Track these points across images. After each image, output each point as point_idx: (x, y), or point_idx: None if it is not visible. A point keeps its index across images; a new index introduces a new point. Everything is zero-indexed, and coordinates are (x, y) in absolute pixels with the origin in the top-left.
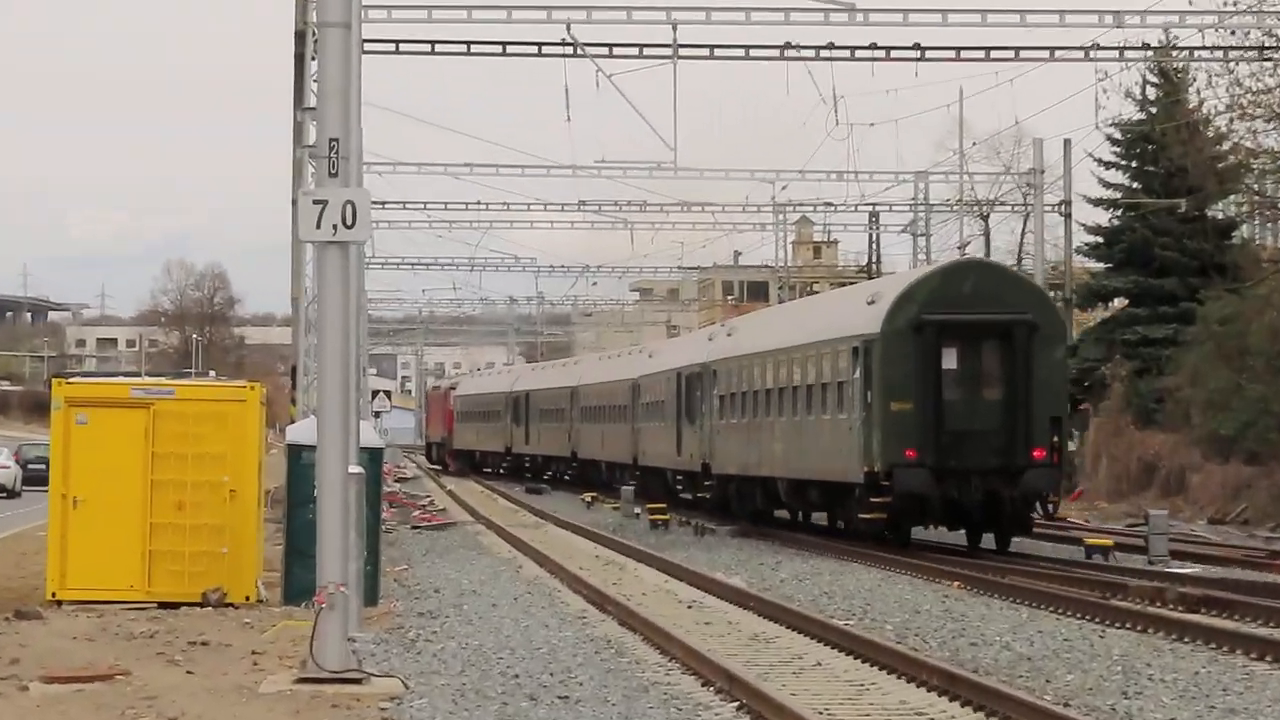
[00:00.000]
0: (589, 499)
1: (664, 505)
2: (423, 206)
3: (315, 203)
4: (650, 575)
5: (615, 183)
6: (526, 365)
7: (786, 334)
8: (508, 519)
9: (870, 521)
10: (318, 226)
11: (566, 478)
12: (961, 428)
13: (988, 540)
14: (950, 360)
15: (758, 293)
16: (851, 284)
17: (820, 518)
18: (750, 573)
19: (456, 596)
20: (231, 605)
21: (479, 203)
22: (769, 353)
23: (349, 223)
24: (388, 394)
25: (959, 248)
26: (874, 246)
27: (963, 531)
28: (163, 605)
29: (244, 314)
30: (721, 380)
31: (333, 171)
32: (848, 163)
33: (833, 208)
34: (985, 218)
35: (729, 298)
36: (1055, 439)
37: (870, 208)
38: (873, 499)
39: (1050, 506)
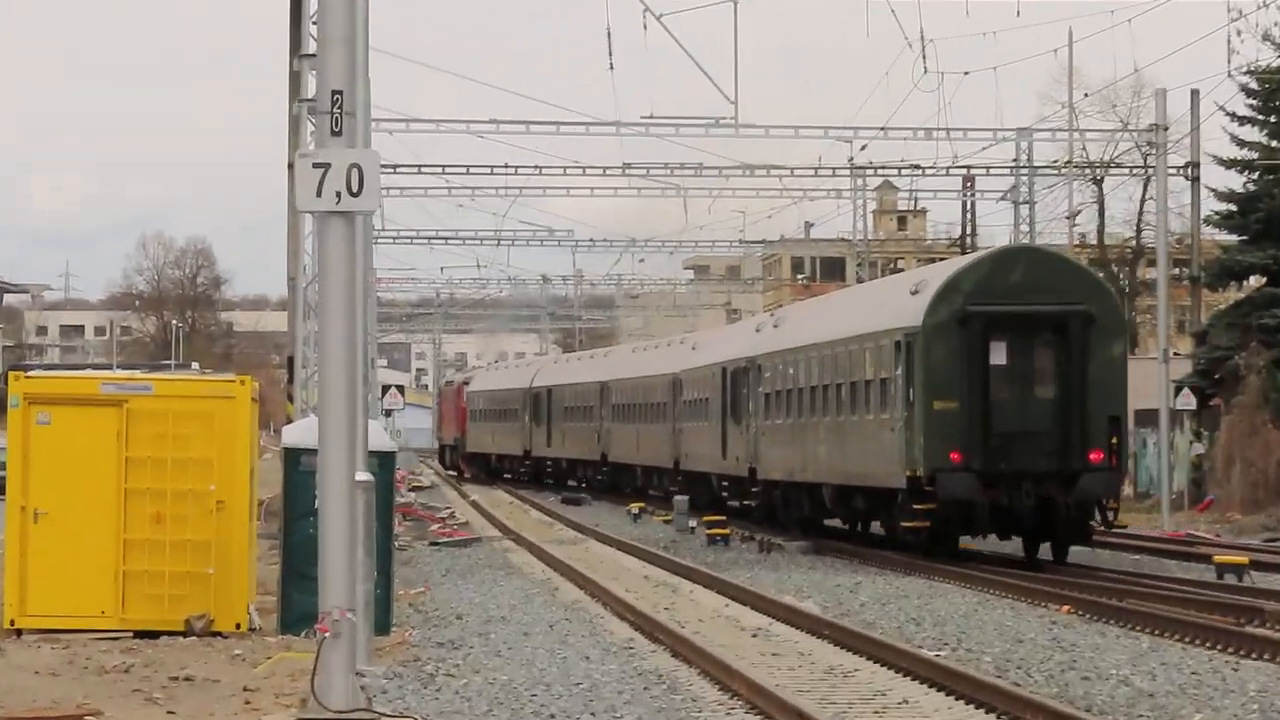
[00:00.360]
0: (635, 510)
1: (723, 518)
2: (441, 171)
3: (315, 166)
4: (708, 599)
5: (666, 142)
6: (549, 358)
7: (832, 326)
8: (541, 534)
9: (914, 530)
10: (318, 194)
11: (595, 483)
12: (1011, 428)
13: (1046, 550)
14: (999, 355)
15: (832, 270)
16: (942, 259)
17: (876, 526)
18: (825, 596)
19: (482, 624)
20: (219, 634)
21: (506, 166)
22: (814, 346)
23: (355, 189)
24: (400, 389)
25: (1067, 217)
26: (968, 216)
27: (1019, 541)
28: (139, 634)
29: (232, 296)
30: (767, 376)
31: (335, 129)
32: (938, 119)
33: (920, 171)
34: (1099, 182)
35: (799, 277)
36: (1114, 440)
37: (964, 171)
38: (915, 506)
39: (1110, 514)
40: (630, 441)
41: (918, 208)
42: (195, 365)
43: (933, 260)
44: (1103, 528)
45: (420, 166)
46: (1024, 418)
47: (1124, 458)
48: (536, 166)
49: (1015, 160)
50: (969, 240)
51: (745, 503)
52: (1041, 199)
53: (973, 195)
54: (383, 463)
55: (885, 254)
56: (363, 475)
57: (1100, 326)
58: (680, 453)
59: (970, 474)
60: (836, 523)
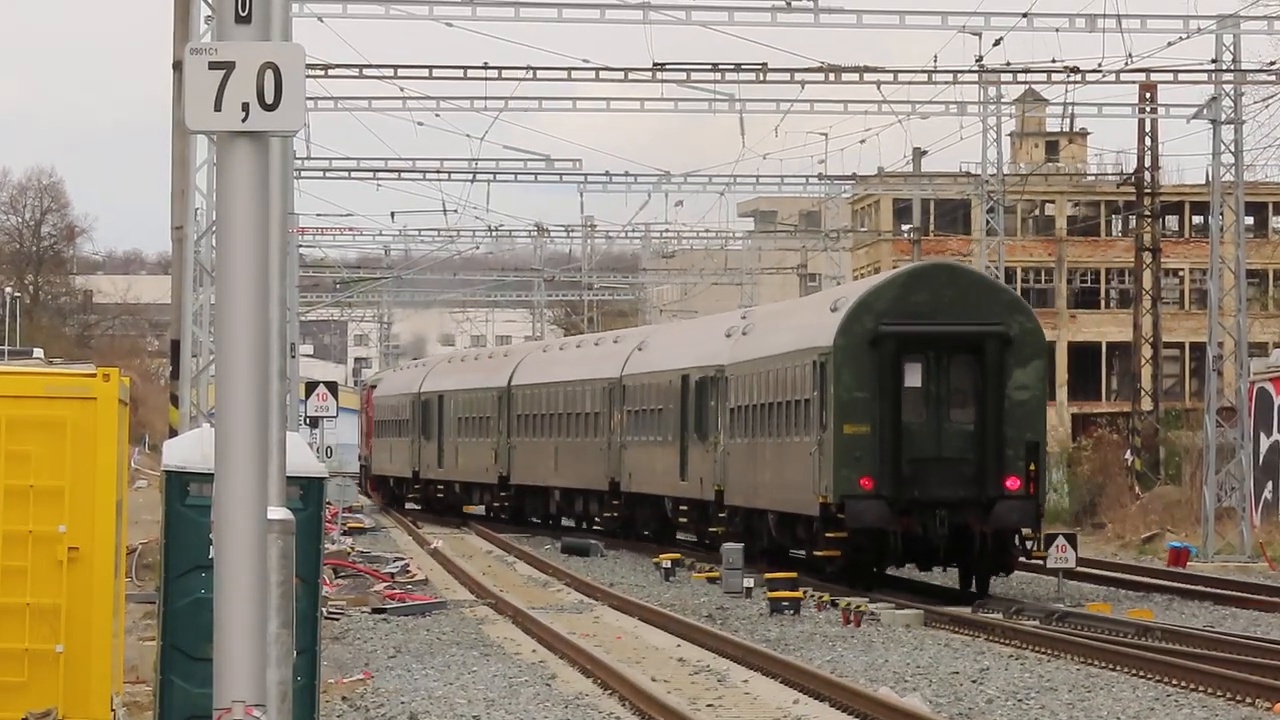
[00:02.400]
0: (667, 563)
1: (793, 575)
2: (392, 74)
3: (213, 67)
4: (769, 692)
5: (714, 34)
6: (444, 356)
7: (782, 338)
8: (531, 597)
9: (829, 559)
10: (217, 108)
11: (494, 510)
12: (925, 454)
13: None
14: (913, 377)
15: (953, 218)
16: (1112, 203)
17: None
18: (937, 687)
19: None
20: None
21: (486, 67)
22: (768, 359)
23: (269, 100)
24: (332, 387)
25: None
26: (1147, 142)
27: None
28: None
29: (92, 254)
30: (733, 389)
31: (242, 13)
32: (1104, 2)
33: (1079, 77)
34: None
35: (904, 228)
36: (1032, 467)
37: (1141, 76)
38: (828, 534)
39: (1028, 544)
40: (544, 459)
41: (1075, 130)
42: (38, 352)
43: (1095, 204)
44: (1022, 558)
45: (362, 68)
46: (938, 443)
47: (1042, 485)
48: (529, 67)
49: (1215, 62)
50: (1148, 178)
51: (712, 530)
52: (1253, 117)
53: (1154, 112)
54: (307, 493)
55: (1029, 195)
56: (278, 511)
57: (1018, 347)
58: (621, 472)
59: (881, 501)
60: (923, 575)
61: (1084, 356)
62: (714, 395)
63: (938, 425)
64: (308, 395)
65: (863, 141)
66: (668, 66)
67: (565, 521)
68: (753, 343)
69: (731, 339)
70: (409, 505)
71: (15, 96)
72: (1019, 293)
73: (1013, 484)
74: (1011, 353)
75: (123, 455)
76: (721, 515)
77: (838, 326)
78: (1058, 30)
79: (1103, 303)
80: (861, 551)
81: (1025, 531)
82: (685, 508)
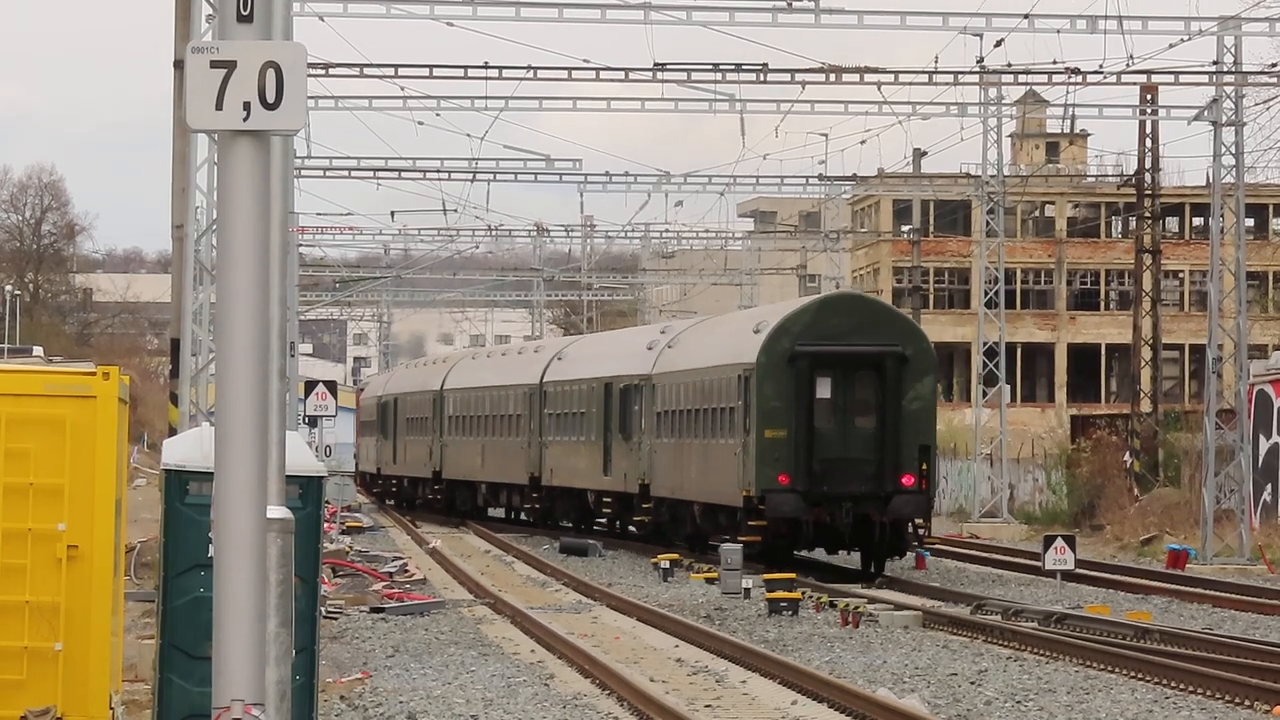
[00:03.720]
0: (666, 563)
1: (791, 576)
2: (393, 73)
3: (214, 66)
4: (768, 692)
5: (715, 34)
6: (405, 363)
7: (707, 354)
8: (530, 596)
9: (748, 544)
10: (218, 107)
11: (429, 503)
12: (833, 455)
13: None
14: (824, 390)
15: (953, 219)
16: (1113, 205)
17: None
18: (936, 688)
19: None
20: None
21: (486, 66)
22: (694, 370)
23: (271, 99)
24: (331, 386)
25: None
26: (1148, 143)
27: (857, 555)
28: None
29: (93, 252)
30: (660, 396)
31: (244, 12)
32: (1107, 2)
33: (1080, 78)
34: None
35: (904, 229)
36: (924, 466)
37: (1143, 78)
38: (750, 522)
39: (921, 532)
40: (471, 456)
41: (1076, 131)
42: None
43: (1095, 206)
44: (915, 544)
45: (363, 67)
46: (844, 445)
47: (933, 482)
48: (529, 67)
49: (1216, 63)
50: (1148, 179)
51: (636, 519)
52: (1254, 119)
53: (1155, 113)
54: (306, 492)
55: (1029, 196)
56: (278, 510)
57: (913, 365)
58: (543, 468)
59: (796, 495)
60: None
61: (1083, 358)
62: (638, 401)
63: (844, 430)
64: (307, 394)
65: (863, 142)
66: (668, 66)
67: (493, 513)
68: (679, 356)
69: (654, 351)
70: (375, 494)
71: (15, 96)
72: (1018, 293)
73: (908, 481)
74: (907, 369)
75: (122, 453)
76: (646, 506)
77: (760, 346)
78: (1059, 31)
79: (1102, 304)
80: (779, 537)
81: (918, 521)
82: (608, 500)
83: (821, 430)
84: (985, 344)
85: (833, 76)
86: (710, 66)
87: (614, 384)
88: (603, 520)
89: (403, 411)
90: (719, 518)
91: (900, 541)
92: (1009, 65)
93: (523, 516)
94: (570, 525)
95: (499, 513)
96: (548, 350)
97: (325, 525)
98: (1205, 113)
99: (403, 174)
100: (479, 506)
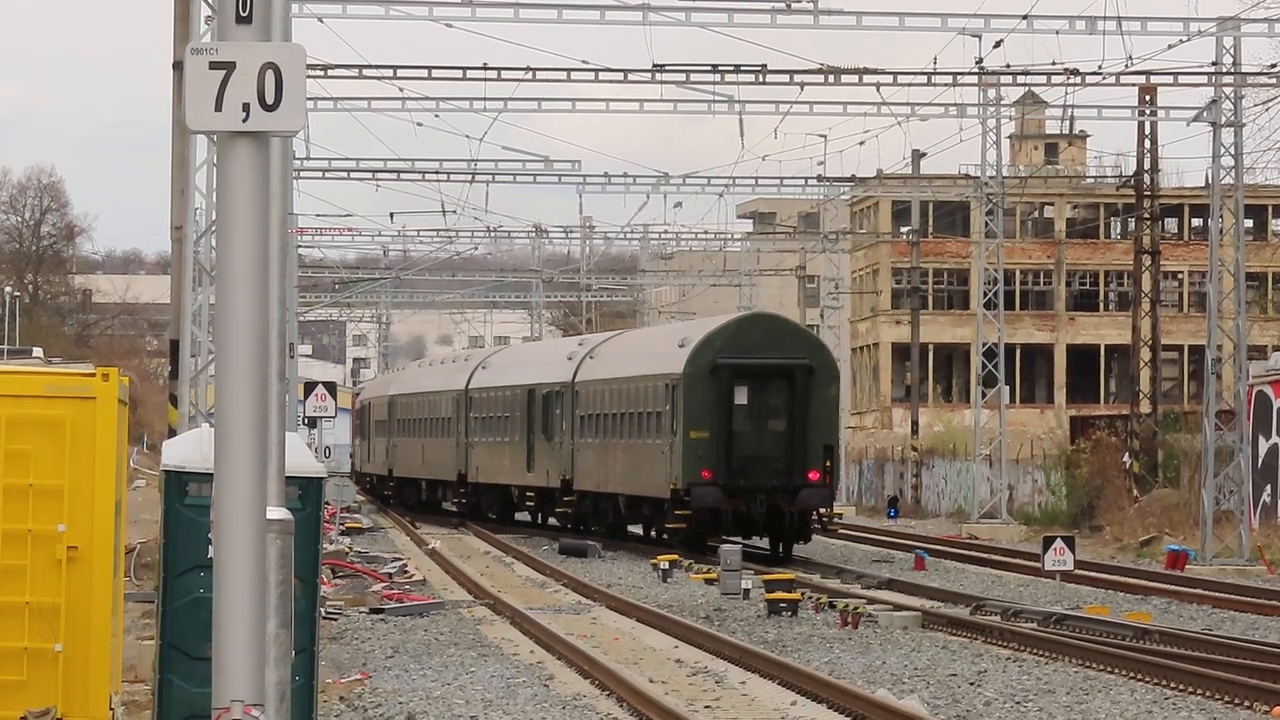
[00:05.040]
0: (665, 564)
1: (790, 577)
2: (391, 74)
3: (214, 67)
4: (767, 693)
5: (714, 35)
6: (379, 373)
7: (630, 364)
8: (529, 597)
9: (674, 530)
10: (218, 108)
11: (384, 499)
12: (749, 453)
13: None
14: (741, 397)
15: (952, 220)
16: (1112, 206)
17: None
18: (935, 689)
19: None
20: None
21: (485, 67)
22: (618, 380)
23: (270, 100)
24: (330, 387)
25: None
26: (1146, 144)
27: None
28: None
29: (92, 253)
30: (583, 401)
31: (243, 13)
32: (1105, 3)
33: (1079, 79)
34: None
35: (903, 230)
36: (828, 463)
37: (1141, 79)
38: (677, 511)
39: (825, 520)
40: (414, 456)
41: (1075, 131)
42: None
43: (1094, 207)
44: (818, 529)
45: (362, 68)
46: (759, 445)
47: (836, 477)
48: (528, 68)
49: (1215, 64)
50: (1147, 180)
51: (558, 510)
52: (1253, 119)
53: (1154, 114)
54: (306, 493)
55: (1028, 197)
56: (277, 511)
57: (818, 375)
58: (469, 466)
59: (717, 488)
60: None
61: (1082, 359)
62: (559, 405)
63: (759, 432)
64: (306, 395)
65: (862, 143)
66: (667, 68)
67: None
68: (600, 366)
69: (574, 361)
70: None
71: (15, 96)
72: (1017, 294)
73: (813, 476)
74: (813, 379)
75: (122, 455)
76: (568, 499)
77: (686, 358)
78: (1058, 32)
79: (1101, 305)
80: (702, 525)
81: (822, 510)
82: (531, 494)
83: (739, 432)
84: (984, 345)
85: (831, 78)
86: (709, 67)
87: (537, 390)
88: (525, 513)
89: (373, 415)
90: (643, 508)
91: (806, 528)
92: (1008, 66)
93: (452, 510)
94: (494, 517)
95: (451, 506)
96: (474, 359)
97: (325, 526)
98: (1204, 113)
99: (402, 175)
100: (422, 501)
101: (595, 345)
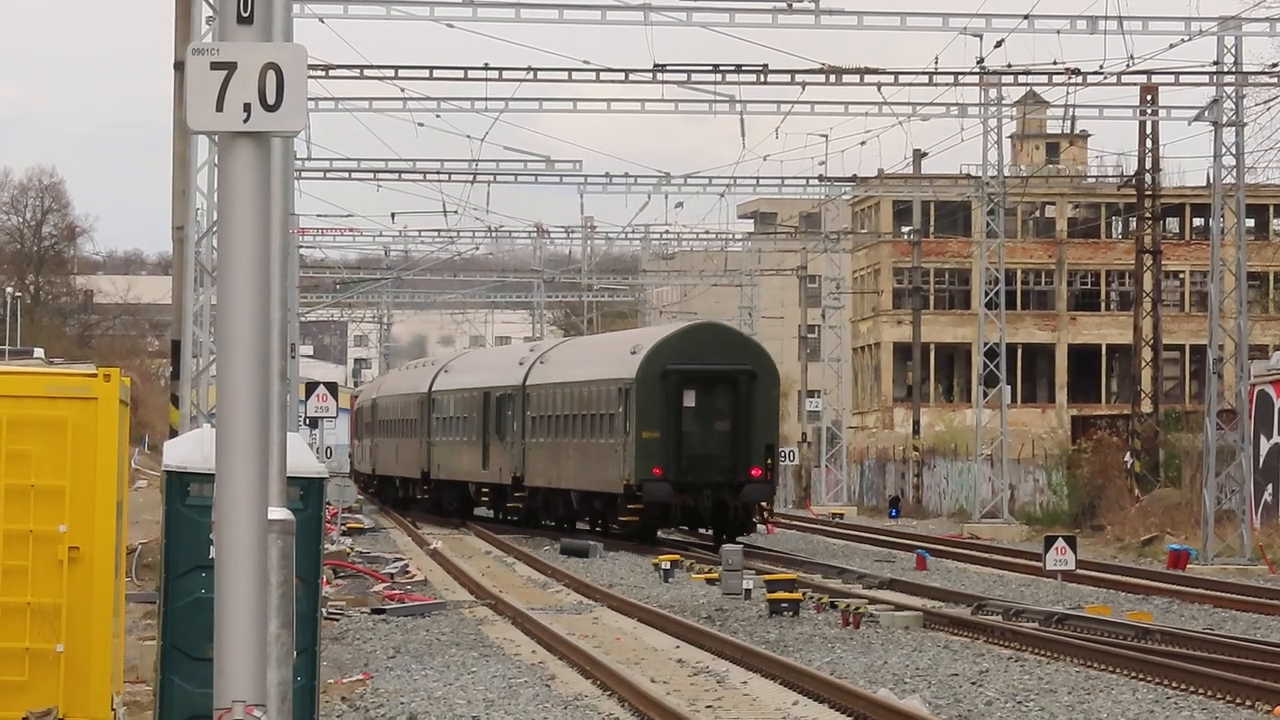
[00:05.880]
0: (666, 564)
1: (792, 577)
2: (393, 74)
3: (215, 67)
4: (768, 693)
5: (715, 35)
6: (373, 379)
7: (582, 370)
8: (531, 597)
9: (626, 523)
10: (219, 108)
11: (369, 497)
12: (697, 452)
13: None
14: (689, 400)
15: (952, 220)
16: (1113, 205)
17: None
18: (937, 689)
19: None
20: None
21: (486, 68)
22: (570, 384)
23: (271, 101)
24: (332, 388)
25: None
26: (1148, 144)
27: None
28: None
29: (93, 254)
30: (534, 403)
31: (244, 14)
32: (1107, 3)
33: (1080, 79)
34: None
35: (904, 230)
36: (769, 461)
37: (1143, 78)
38: (629, 506)
39: (765, 513)
40: (389, 455)
41: (1076, 131)
42: (39, 352)
43: (1095, 206)
44: (758, 521)
45: (363, 69)
46: (706, 444)
47: (776, 473)
48: (529, 68)
49: (1216, 63)
50: (1148, 179)
51: (509, 505)
52: (1254, 119)
53: (1155, 114)
54: (307, 494)
55: (1029, 196)
56: (279, 512)
57: (760, 380)
58: (432, 464)
59: (668, 484)
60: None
61: (1084, 359)
62: (511, 407)
63: (705, 432)
64: (308, 396)
65: (863, 143)
66: (668, 68)
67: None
68: (551, 370)
69: (525, 366)
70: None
71: (16, 96)
72: (1018, 294)
73: (756, 472)
74: (756, 383)
75: (123, 455)
76: (519, 494)
77: (639, 365)
78: (1059, 32)
79: (1103, 305)
80: (653, 518)
81: (764, 504)
82: (486, 490)
83: (688, 432)
84: (986, 345)
85: (833, 77)
86: (710, 67)
87: (491, 393)
88: (480, 509)
89: (363, 417)
90: (595, 503)
91: (749, 521)
92: (1009, 66)
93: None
94: (454, 510)
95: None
96: (438, 364)
97: (326, 526)
98: (1205, 113)
99: (403, 175)
100: (399, 498)
101: (545, 351)
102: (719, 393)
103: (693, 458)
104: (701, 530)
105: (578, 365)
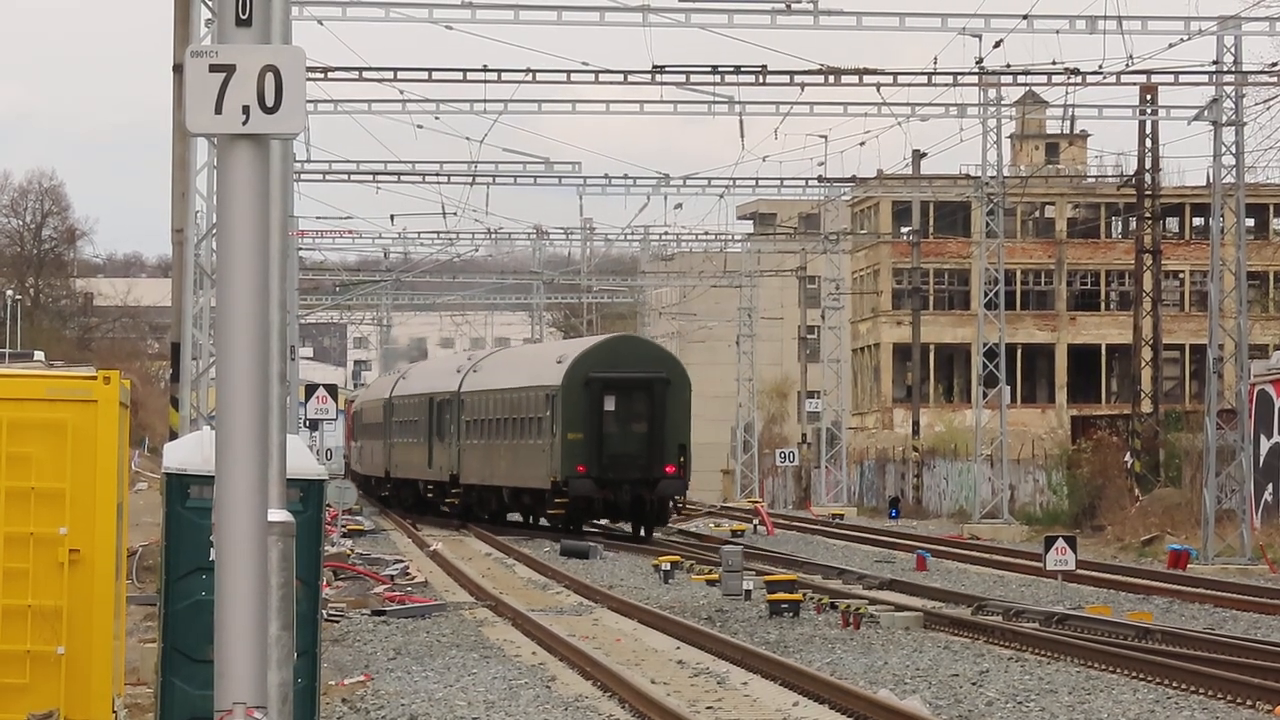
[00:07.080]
0: (666, 565)
1: (792, 578)
2: (391, 76)
3: (214, 70)
4: (769, 694)
5: (714, 36)
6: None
7: (512, 377)
8: (531, 599)
9: (554, 516)
10: (218, 110)
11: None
12: (617, 451)
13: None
14: (610, 404)
15: (952, 220)
16: (1113, 205)
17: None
18: (937, 689)
19: None
20: None
21: (485, 69)
22: (501, 390)
23: (270, 103)
24: (332, 390)
25: None
26: (1147, 144)
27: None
28: None
29: (93, 256)
30: (468, 407)
31: (243, 16)
32: (1106, 3)
33: (1080, 79)
34: None
35: (903, 230)
36: (681, 459)
37: (1142, 78)
38: (556, 500)
39: (679, 506)
40: (370, 455)
41: (1075, 131)
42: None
43: (1095, 206)
44: (676, 513)
45: (362, 71)
46: (625, 444)
47: (688, 470)
48: (528, 70)
49: (1216, 63)
50: (1148, 180)
51: (448, 500)
52: (1254, 118)
53: (1154, 114)
54: (307, 496)
55: (1029, 197)
56: (279, 514)
57: (673, 386)
58: (390, 464)
59: (591, 480)
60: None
61: (1084, 359)
62: (449, 411)
63: (624, 434)
64: (307, 398)
65: (862, 144)
66: (667, 69)
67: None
68: (484, 378)
69: (462, 374)
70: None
71: (15, 98)
72: (1018, 294)
73: (669, 469)
74: (669, 389)
75: (123, 458)
76: (456, 491)
77: (564, 372)
78: (1058, 32)
79: (1103, 305)
80: (577, 510)
81: (677, 498)
82: (431, 487)
83: (608, 433)
84: (985, 345)
85: (832, 78)
86: (709, 69)
87: (434, 398)
88: (441, 507)
89: (353, 421)
90: (524, 498)
91: (664, 514)
92: (1008, 66)
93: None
94: (409, 506)
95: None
96: (398, 371)
97: (326, 528)
98: (1205, 113)
99: (402, 177)
100: (380, 496)
101: (478, 360)
102: (636, 398)
103: (613, 456)
104: (622, 524)
105: (508, 373)
